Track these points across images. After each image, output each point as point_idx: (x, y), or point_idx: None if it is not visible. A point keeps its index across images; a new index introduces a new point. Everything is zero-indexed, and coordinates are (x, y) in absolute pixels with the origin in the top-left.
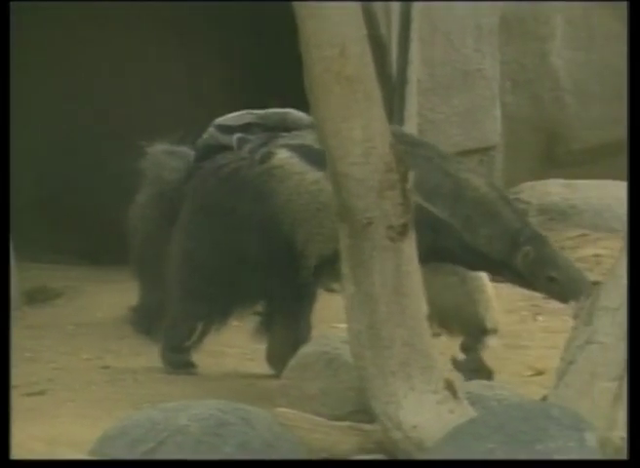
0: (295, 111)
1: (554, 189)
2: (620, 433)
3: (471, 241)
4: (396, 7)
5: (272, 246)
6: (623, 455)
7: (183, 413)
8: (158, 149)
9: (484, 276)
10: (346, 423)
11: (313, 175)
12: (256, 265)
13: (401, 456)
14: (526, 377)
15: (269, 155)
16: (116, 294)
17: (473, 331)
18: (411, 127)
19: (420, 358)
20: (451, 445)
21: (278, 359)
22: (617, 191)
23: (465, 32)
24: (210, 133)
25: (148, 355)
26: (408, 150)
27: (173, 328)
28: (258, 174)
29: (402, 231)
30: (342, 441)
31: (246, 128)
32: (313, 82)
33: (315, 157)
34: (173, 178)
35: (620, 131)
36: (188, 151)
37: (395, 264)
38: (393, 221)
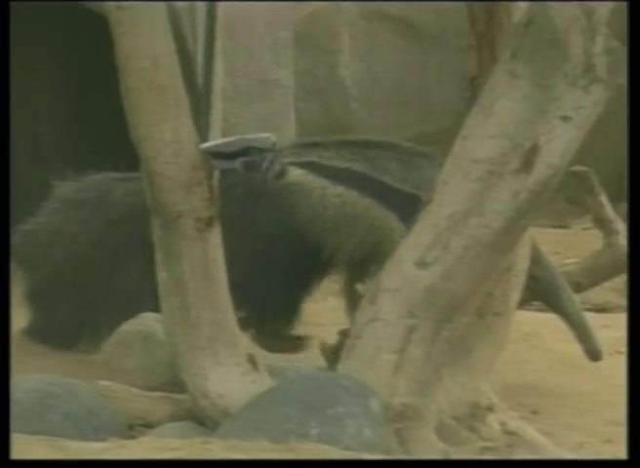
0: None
1: None
2: (400, 399)
3: None
4: (202, 25)
5: (298, 257)
6: (405, 419)
7: (18, 387)
8: (100, 178)
9: None
10: (160, 393)
11: (334, 188)
12: (283, 275)
13: (209, 422)
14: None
15: (283, 173)
16: None
17: None
18: (216, 131)
19: (225, 335)
20: (252, 411)
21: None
22: None
23: (264, 46)
24: None
25: None
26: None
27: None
28: (275, 191)
29: (208, 223)
30: (157, 409)
31: (245, 152)
32: (129, 90)
33: (327, 172)
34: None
35: (401, 133)
36: None
37: (202, 253)
38: (200, 214)
